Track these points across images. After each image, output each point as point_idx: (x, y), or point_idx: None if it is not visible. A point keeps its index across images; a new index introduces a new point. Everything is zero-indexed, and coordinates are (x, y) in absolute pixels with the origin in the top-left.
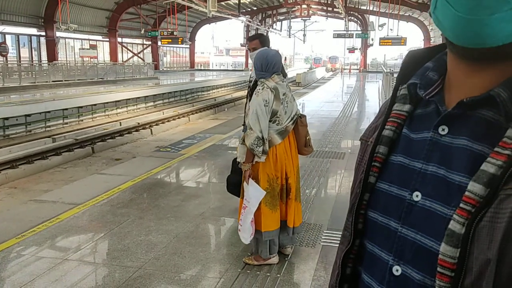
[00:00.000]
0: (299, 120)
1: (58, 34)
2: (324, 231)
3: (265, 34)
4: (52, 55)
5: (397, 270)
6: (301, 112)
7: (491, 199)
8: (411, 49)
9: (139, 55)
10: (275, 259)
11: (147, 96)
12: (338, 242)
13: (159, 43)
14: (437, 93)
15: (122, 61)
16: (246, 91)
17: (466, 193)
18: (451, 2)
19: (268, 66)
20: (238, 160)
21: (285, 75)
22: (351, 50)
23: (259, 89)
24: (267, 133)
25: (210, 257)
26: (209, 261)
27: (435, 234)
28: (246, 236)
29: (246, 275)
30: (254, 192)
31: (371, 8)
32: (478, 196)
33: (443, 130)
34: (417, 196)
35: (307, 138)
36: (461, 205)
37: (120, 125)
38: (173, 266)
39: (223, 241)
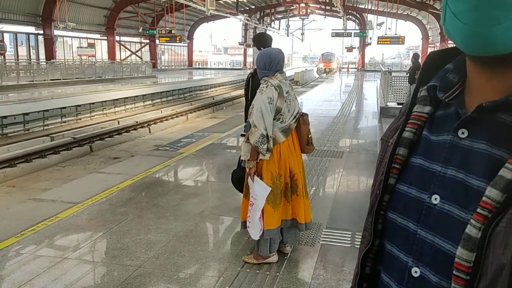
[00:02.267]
0: (301, 119)
1: (56, 32)
2: (323, 230)
3: (266, 33)
4: (50, 54)
5: (415, 272)
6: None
7: (508, 205)
8: (409, 48)
9: (137, 53)
10: (274, 257)
11: (145, 95)
12: (337, 240)
13: (157, 41)
14: (457, 95)
15: (120, 59)
16: (244, 89)
17: (484, 198)
18: (458, 15)
19: (272, 64)
20: (242, 158)
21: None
22: (349, 49)
23: (263, 87)
24: (271, 131)
25: (210, 256)
26: (209, 259)
27: (453, 238)
28: (256, 232)
29: (246, 274)
30: (260, 189)
31: (369, 7)
32: (495, 201)
33: (463, 133)
34: (435, 199)
35: (309, 136)
36: (478, 210)
37: (118, 123)
38: (173, 265)
39: (222, 240)
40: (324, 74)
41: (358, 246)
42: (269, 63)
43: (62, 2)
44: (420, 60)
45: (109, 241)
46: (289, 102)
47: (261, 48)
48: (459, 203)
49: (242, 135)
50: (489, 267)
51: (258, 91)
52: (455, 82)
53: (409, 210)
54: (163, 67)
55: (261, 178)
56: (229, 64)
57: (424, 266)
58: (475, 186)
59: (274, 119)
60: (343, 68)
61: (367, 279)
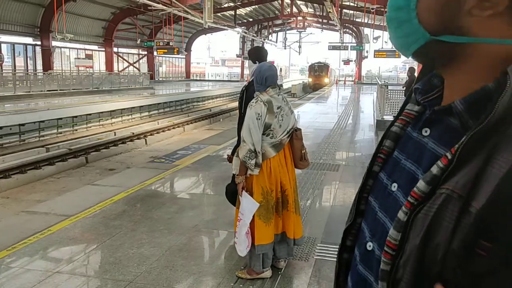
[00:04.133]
0: (294, 134)
1: (54, 43)
2: (318, 245)
3: (261, 46)
4: (47, 65)
5: (369, 246)
6: (297, 125)
7: (431, 196)
8: (405, 61)
9: (135, 65)
10: (268, 273)
11: (142, 106)
12: (332, 255)
13: (155, 53)
14: (438, 97)
15: (118, 70)
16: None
17: (414, 188)
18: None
19: (262, 79)
20: (233, 172)
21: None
22: (346, 62)
23: (253, 102)
24: (259, 146)
25: (203, 271)
26: (202, 274)
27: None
28: (242, 248)
29: None
30: (247, 205)
31: (366, 21)
32: (421, 192)
33: (426, 131)
34: (394, 186)
35: (303, 152)
36: (408, 198)
37: (115, 135)
38: (165, 279)
39: (216, 254)
40: (309, 93)
41: None
42: (260, 78)
43: (60, 14)
44: (416, 74)
45: (101, 255)
46: (280, 118)
47: (256, 62)
48: (406, 192)
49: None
50: (408, 246)
51: (248, 106)
52: (437, 85)
53: (379, 194)
54: (160, 79)
55: (252, 193)
56: (227, 76)
57: (375, 241)
58: (419, 178)
59: (263, 134)
60: (339, 81)
61: (348, 252)
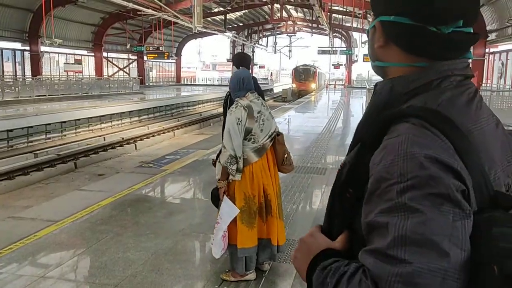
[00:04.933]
0: (276, 139)
1: (42, 48)
2: None
3: (245, 52)
4: (36, 70)
5: None
6: (279, 129)
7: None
8: None
9: (125, 69)
10: (252, 275)
11: (131, 111)
12: None
13: (145, 58)
14: None
15: (108, 75)
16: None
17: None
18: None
19: (240, 83)
20: (216, 177)
21: (262, 94)
22: (336, 66)
23: (233, 107)
24: (240, 152)
25: (188, 274)
26: (187, 277)
27: None
28: (217, 250)
29: None
30: (227, 209)
31: (355, 25)
32: (345, 160)
33: None
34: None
35: (285, 156)
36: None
37: (104, 140)
38: (150, 283)
39: (202, 258)
40: (294, 100)
41: None
42: (237, 82)
43: (49, 19)
44: None
45: (87, 260)
46: (261, 122)
47: (240, 67)
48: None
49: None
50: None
51: (228, 112)
52: None
53: None
54: (151, 83)
55: (234, 198)
56: (217, 80)
57: None
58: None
59: (245, 139)
60: (330, 85)
61: None
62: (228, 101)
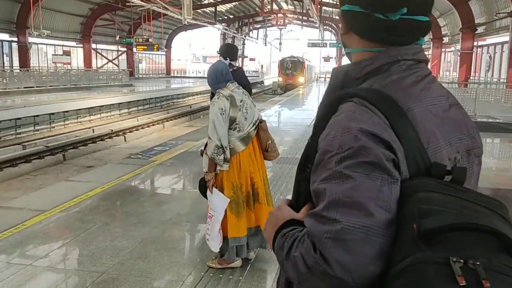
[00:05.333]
0: (260, 125)
1: (31, 40)
2: None
3: (230, 43)
4: (24, 61)
5: None
6: (269, 121)
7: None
8: None
9: (114, 61)
10: (238, 262)
11: (121, 103)
12: None
13: (134, 49)
14: None
15: (97, 67)
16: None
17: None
18: None
19: (219, 75)
20: (203, 170)
21: (249, 88)
22: (327, 59)
23: (215, 98)
24: (226, 141)
25: (174, 261)
26: (173, 265)
27: None
28: (215, 244)
29: (209, 278)
30: (218, 201)
31: None
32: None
33: None
34: None
35: (268, 142)
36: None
37: (93, 132)
38: (137, 270)
39: (189, 246)
40: (279, 94)
41: None
42: (215, 75)
43: (37, 10)
44: None
45: (75, 248)
46: (245, 110)
47: (227, 58)
48: None
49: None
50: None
51: (210, 103)
52: None
53: None
54: (140, 76)
55: (223, 189)
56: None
57: None
58: None
59: (230, 128)
60: (320, 78)
61: None
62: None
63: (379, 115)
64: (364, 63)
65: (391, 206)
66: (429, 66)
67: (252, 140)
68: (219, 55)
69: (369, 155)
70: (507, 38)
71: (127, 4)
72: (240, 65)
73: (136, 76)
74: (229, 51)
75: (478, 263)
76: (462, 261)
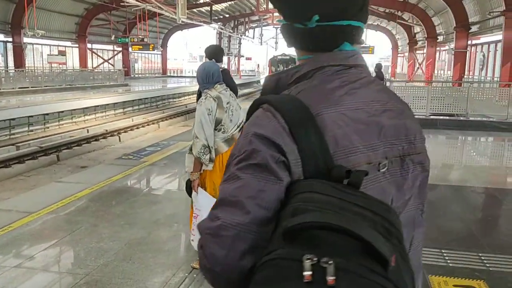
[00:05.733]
0: (244, 127)
1: (26, 40)
2: None
3: (216, 45)
4: (19, 61)
5: None
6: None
7: None
8: (382, 58)
9: (109, 61)
10: None
11: (116, 103)
12: None
13: (130, 49)
14: None
15: (92, 67)
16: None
17: None
18: None
19: (208, 76)
20: (186, 170)
21: (235, 88)
22: None
23: (202, 99)
24: (212, 141)
25: (159, 262)
26: (157, 266)
27: None
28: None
29: (192, 279)
30: (204, 200)
31: None
32: None
33: None
34: None
35: None
36: None
37: (88, 132)
38: (121, 272)
39: (174, 247)
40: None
41: None
42: (206, 75)
43: (32, 10)
44: (383, 70)
45: (61, 250)
46: (230, 113)
47: (213, 59)
48: None
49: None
50: None
51: (197, 103)
52: None
53: None
54: (136, 75)
55: (205, 188)
56: None
57: None
58: None
59: (215, 129)
60: None
61: None
62: (201, 94)
63: (279, 119)
64: (293, 70)
65: (270, 205)
66: (371, 70)
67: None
68: (204, 56)
69: (258, 157)
70: (500, 37)
71: (122, 4)
72: (237, 65)
73: (132, 75)
74: (215, 52)
75: (330, 262)
76: (316, 259)
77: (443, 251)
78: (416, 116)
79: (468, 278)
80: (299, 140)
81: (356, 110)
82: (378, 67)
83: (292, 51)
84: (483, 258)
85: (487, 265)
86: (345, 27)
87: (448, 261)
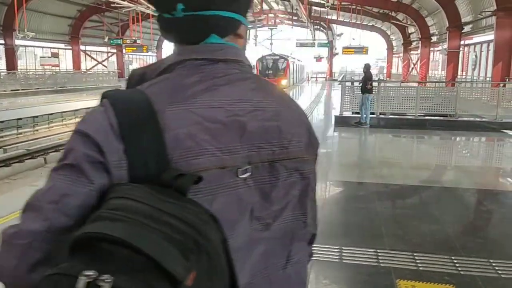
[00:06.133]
0: None
1: (17, 42)
2: None
3: None
4: (11, 64)
5: None
6: None
7: None
8: (378, 58)
9: (103, 63)
10: None
11: None
12: None
13: (124, 51)
14: None
15: (86, 69)
16: None
17: None
18: None
19: None
20: None
21: None
22: (318, 58)
23: None
24: None
25: None
26: None
27: None
28: None
29: None
30: None
31: (333, 18)
32: None
33: None
34: None
35: None
36: None
37: None
38: None
39: None
40: None
41: None
42: None
43: (23, 11)
44: (371, 71)
45: None
46: None
47: None
48: None
49: None
50: None
51: None
52: None
53: None
54: None
55: None
56: None
57: None
58: None
59: None
60: (312, 77)
61: None
62: None
63: (110, 116)
64: (158, 63)
65: (73, 211)
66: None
67: None
68: None
69: (71, 157)
70: (492, 37)
71: (112, 5)
72: None
73: (126, 77)
74: None
75: (109, 280)
76: (95, 275)
77: (414, 254)
78: (405, 117)
79: (437, 283)
80: (129, 140)
81: (212, 109)
82: (367, 67)
83: (285, 51)
84: (455, 261)
85: (459, 268)
86: (211, 17)
87: (419, 265)
